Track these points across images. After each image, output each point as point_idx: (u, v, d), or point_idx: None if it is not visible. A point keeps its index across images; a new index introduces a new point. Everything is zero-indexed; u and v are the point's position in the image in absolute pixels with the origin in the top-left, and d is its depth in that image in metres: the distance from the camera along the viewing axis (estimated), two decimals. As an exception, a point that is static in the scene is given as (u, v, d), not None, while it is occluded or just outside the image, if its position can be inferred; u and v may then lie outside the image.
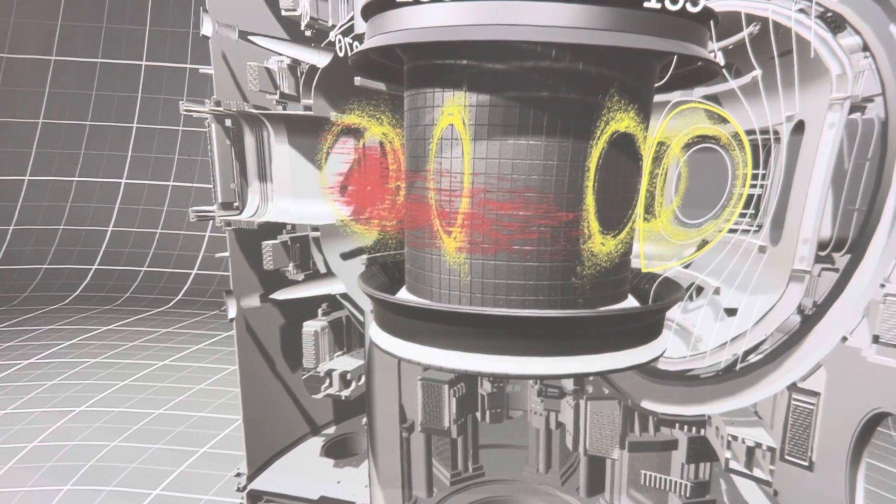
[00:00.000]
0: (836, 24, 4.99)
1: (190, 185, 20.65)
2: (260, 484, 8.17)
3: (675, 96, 5.87)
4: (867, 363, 5.25)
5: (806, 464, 5.76)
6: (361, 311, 7.59)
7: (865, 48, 4.93)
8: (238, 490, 8.17)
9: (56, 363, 13.56)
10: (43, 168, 20.66)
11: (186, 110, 7.00)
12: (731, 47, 5.50)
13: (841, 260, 5.35)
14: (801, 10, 5.03)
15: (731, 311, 6.01)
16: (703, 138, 5.89)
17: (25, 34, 20.31)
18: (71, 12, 20.30)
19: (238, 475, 8.24)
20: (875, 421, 5.32)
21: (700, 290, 6.29)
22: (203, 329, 16.32)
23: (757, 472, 6.14)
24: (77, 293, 19.33)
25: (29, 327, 16.28)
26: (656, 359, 5.90)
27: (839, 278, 5.34)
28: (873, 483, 6.84)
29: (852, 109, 5.02)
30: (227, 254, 7.64)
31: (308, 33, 7.35)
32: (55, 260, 20.26)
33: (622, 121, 5.01)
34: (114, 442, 10.04)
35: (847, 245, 5.28)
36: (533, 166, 4.92)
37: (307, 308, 8.21)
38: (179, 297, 19.35)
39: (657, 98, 5.58)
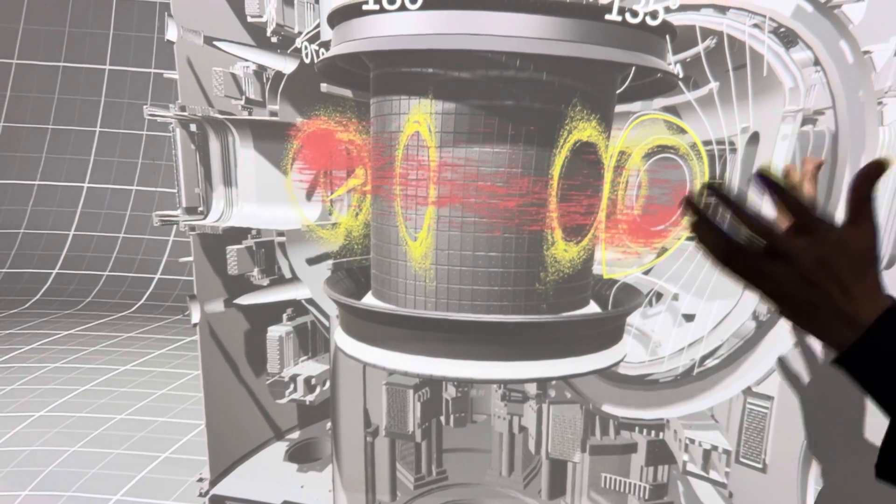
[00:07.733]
0: (788, 39, 5.15)
1: (154, 189, 20.40)
2: (222, 489, 8.13)
3: (636, 107, 6.01)
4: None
5: (760, 466, 5.91)
6: (327, 317, 7.60)
7: (817, 63, 5.09)
8: (200, 495, 8.11)
9: (15, 368, 13.29)
10: (3, 171, 20.28)
11: (150, 115, 6.96)
12: (688, 60, 5.64)
13: (794, 267, 5.49)
14: (756, 25, 5.19)
15: (689, 317, 6.14)
16: (663, 148, 6.02)
17: (-15, 36, 20.00)
18: (33, 15, 20.00)
19: (200, 480, 8.20)
20: (826, 423, 5.49)
21: (659, 296, 6.42)
22: (166, 334, 16.11)
23: (713, 475, 6.29)
24: (37, 297, 18.97)
25: (-14, 332, 16.00)
26: (617, 363, 6.03)
27: (792, 285, 5.48)
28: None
29: (804, 122, 5.18)
30: (190, 258, 7.59)
31: (274, 39, 7.36)
32: (15, 264, 19.89)
33: (584, 130, 5.13)
34: (73, 447, 9.90)
35: (799, 253, 5.42)
36: (498, 174, 5.01)
37: (272, 313, 8.18)
38: (142, 301, 19.07)
39: (619, 109, 5.71)
